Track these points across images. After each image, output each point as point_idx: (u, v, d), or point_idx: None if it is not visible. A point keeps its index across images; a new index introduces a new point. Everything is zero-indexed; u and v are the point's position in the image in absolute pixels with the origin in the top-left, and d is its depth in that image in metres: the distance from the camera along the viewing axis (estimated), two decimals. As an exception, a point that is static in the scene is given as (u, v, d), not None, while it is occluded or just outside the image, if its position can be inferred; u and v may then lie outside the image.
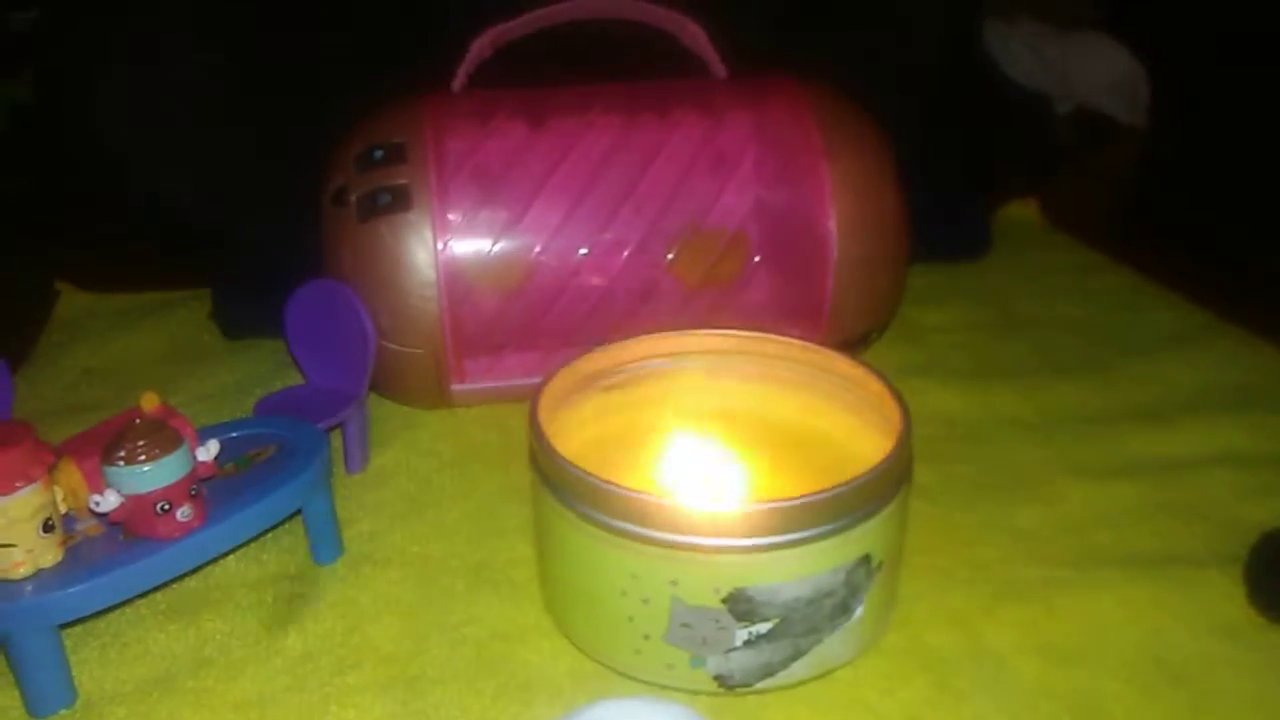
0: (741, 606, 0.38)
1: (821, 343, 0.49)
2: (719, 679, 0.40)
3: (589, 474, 0.39)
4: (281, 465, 0.47)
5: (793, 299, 0.61)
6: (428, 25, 0.67)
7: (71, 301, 0.74)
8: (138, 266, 0.75)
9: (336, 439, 0.56)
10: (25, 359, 0.67)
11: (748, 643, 0.39)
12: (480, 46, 0.63)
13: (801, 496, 0.38)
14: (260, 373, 0.65)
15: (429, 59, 0.63)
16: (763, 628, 0.39)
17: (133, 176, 0.70)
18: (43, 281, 0.75)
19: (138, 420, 0.42)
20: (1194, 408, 0.60)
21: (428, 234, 0.56)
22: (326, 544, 0.49)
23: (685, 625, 0.39)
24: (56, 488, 0.42)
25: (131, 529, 0.42)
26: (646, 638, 0.40)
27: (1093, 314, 0.72)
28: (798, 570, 0.38)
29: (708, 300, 0.60)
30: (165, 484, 0.41)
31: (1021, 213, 0.86)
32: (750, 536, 0.38)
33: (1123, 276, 0.77)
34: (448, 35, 0.64)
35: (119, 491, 0.41)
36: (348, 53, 0.69)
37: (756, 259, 0.60)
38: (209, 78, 0.69)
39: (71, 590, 0.40)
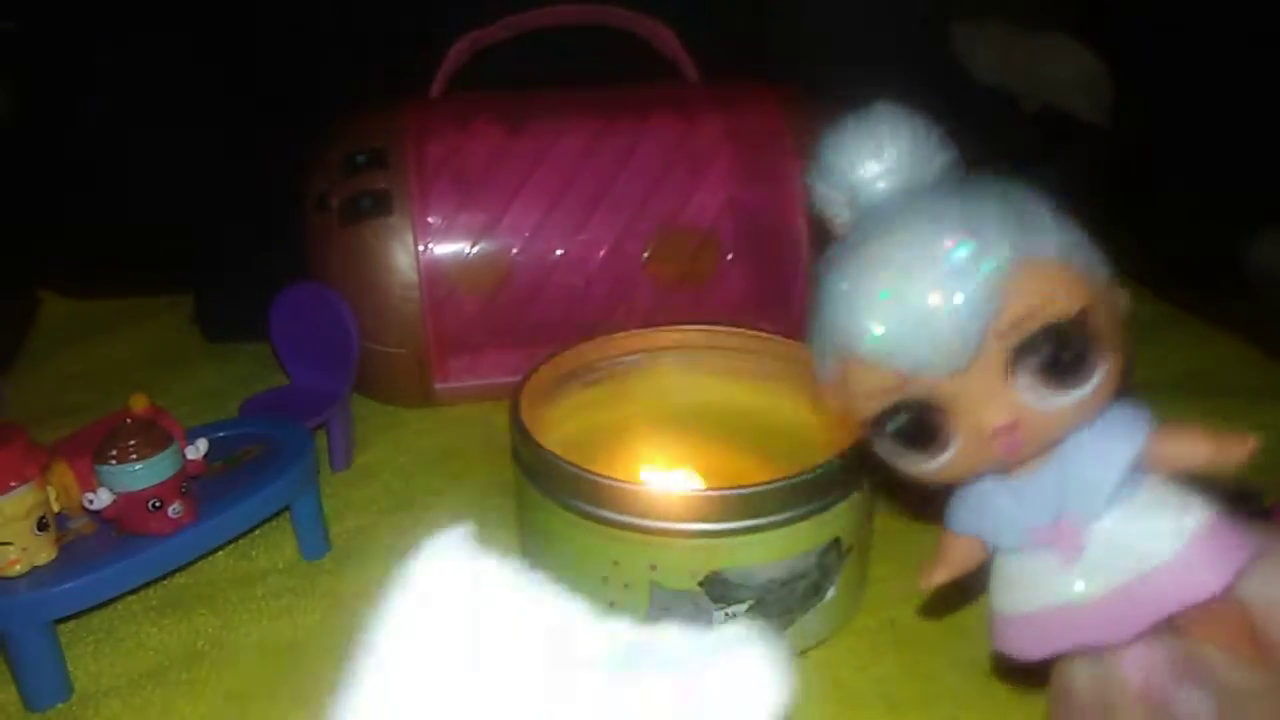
0: (718, 589, 0.40)
1: (794, 337, 0.50)
2: (698, 660, 0.41)
3: (571, 464, 0.41)
4: (269, 463, 0.48)
5: (766, 295, 0.62)
6: (407, 31, 0.69)
7: (54, 308, 0.75)
8: (119, 272, 0.75)
9: (321, 438, 0.57)
10: (8, 366, 0.68)
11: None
12: (458, 52, 0.64)
13: (773, 482, 0.39)
14: (242, 375, 0.65)
15: (408, 64, 0.65)
16: (739, 609, 0.41)
17: (114, 182, 0.71)
18: (24, 288, 0.75)
19: (128, 420, 0.43)
20: (1152, 394, 0.61)
21: (409, 237, 0.57)
22: (314, 540, 0.50)
23: (664, 608, 0.41)
24: (50, 487, 0.43)
25: (124, 526, 0.43)
26: (627, 621, 0.41)
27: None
28: (771, 553, 0.40)
29: (683, 297, 0.62)
30: (156, 482, 0.42)
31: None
32: (726, 521, 0.39)
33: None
34: (427, 41, 0.65)
35: (111, 490, 0.42)
36: (330, 58, 0.70)
37: (730, 257, 0.62)
38: (192, 83, 0.69)
39: (66, 586, 0.41)
